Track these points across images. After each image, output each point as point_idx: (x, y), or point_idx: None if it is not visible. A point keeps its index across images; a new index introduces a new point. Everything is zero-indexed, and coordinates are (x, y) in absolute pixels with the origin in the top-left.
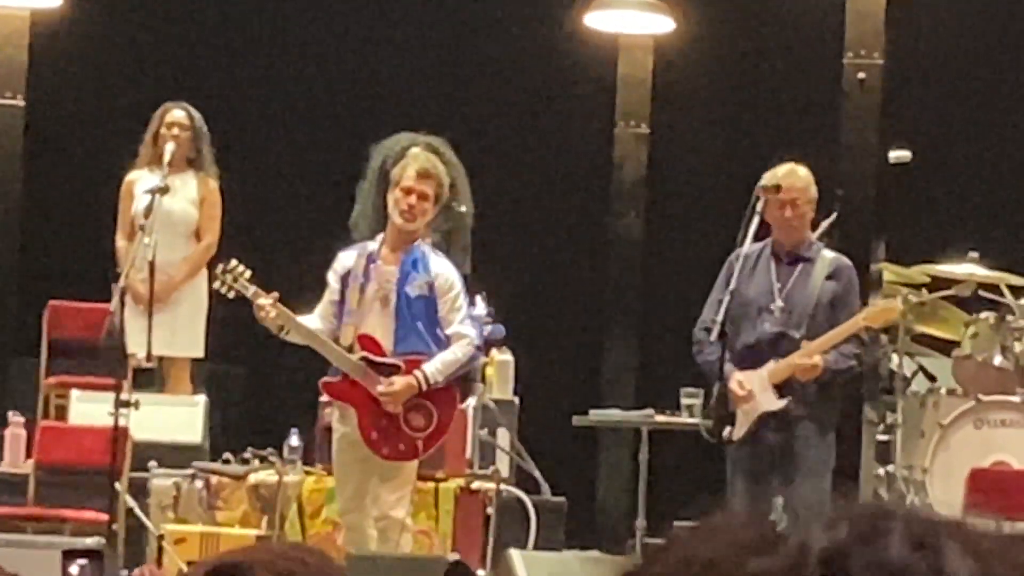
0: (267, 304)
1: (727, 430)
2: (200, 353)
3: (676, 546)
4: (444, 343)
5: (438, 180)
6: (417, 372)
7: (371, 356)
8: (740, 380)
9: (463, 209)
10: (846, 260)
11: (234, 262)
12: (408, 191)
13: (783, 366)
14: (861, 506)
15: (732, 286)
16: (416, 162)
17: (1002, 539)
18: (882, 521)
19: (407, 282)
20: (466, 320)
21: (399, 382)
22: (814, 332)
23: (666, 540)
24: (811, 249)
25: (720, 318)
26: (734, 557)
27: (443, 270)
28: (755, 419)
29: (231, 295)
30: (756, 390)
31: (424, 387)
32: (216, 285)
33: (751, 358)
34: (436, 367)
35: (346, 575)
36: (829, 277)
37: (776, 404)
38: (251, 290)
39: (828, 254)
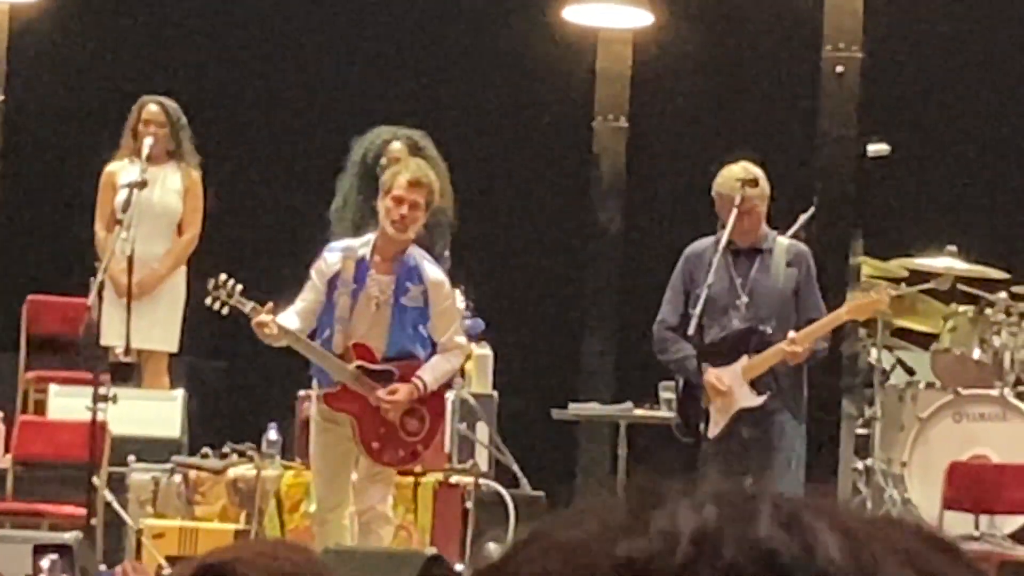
0: (269, 321)
1: (700, 427)
2: (175, 348)
3: (541, 534)
4: (431, 346)
5: (429, 188)
6: (416, 380)
7: (366, 365)
8: (718, 375)
9: (444, 204)
10: (803, 246)
11: (224, 276)
12: (399, 200)
13: (760, 360)
14: (727, 487)
15: (710, 280)
16: (407, 171)
17: (874, 521)
18: (751, 502)
19: (402, 293)
20: (459, 330)
21: (402, 390)
22: (783, 322)
23: (532, 529)
24: (767, 240)
25: (699, 311)
26: (601, 540)
27: (436, 277)
28: (731, 415)
29: (225, 311)
30: (733, 386)
31: (423, 394)
32: (208, 302)
33: (720, 354)
34: (434, 376)
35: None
36: (788, 265)
37: (755, 400)
38: (248, 306)
39: (784, 241)
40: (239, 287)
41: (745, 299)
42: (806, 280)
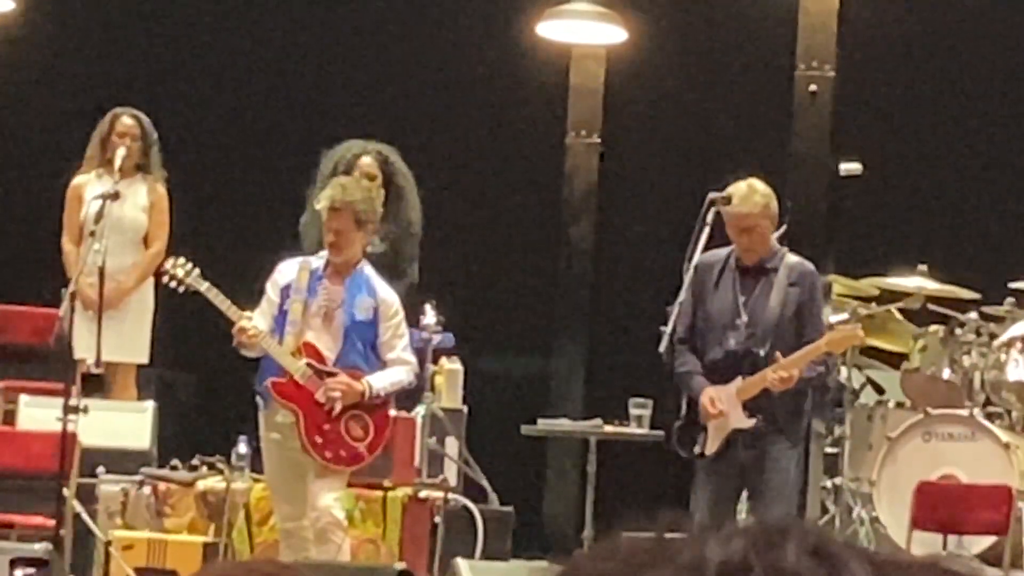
0: (250, 326)
1: (698, 444)
2: (145, 359)
3: (572, 568)
4: (378, 365)
5: (352, 209)
6: (365, 381)
7: (315, 364)
8: (712, 396)
9: (411, 217)
10: (808, 265)
11: (183, 259)
12: (328, 226)
13: (751, 383)
14: (756, 522)
15: (682, 297)
16: (326, 197)
17: (901, 559)
18: (780, 533)
19: (354, 304)
20: (408, 347)
21: (351, 383)
22: (779, 344)
23: (563, 568)
24: (774, 258)
25: (669, 330)
26: (627, 571)
27: (387, 296)
28: (725, 435)
29: (181, 289)
30: (727, 406)
31: (368, 396)
32: (165, 280)
33: (718, 374)
34: (382, 384)
35: None
36: (792, 284)
37: (746, 423)
38: (204, 285)
39: (791, 259)
40: (196, 269)
41: (745, 319)
42: (808, 301)
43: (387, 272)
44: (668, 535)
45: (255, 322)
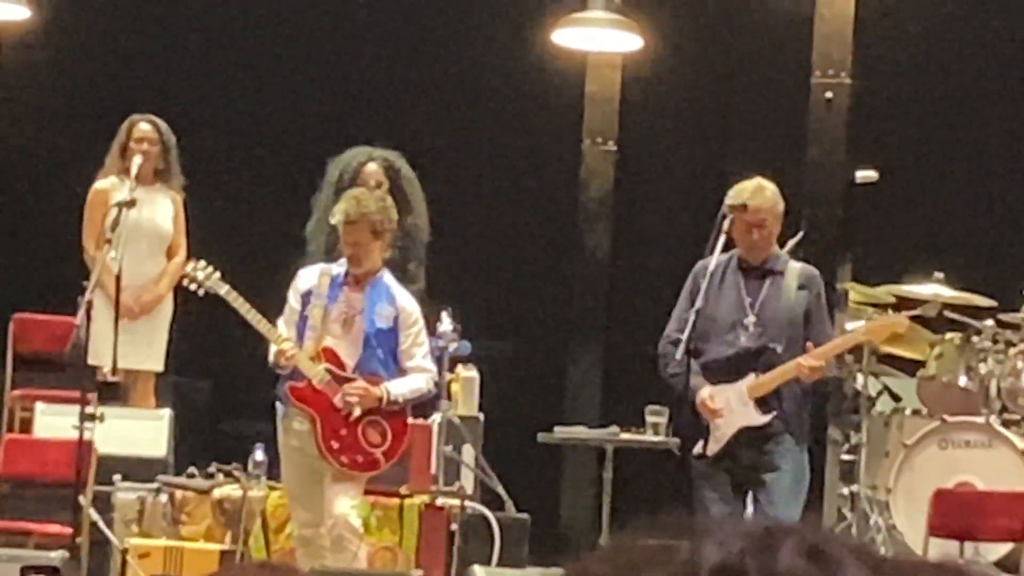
0: (289, 347)
1: (698, 445)
2: (161, 367)
3: (571, 572)
4: (398, 373)
5: (368, 219)
6: (383, 386)
7: (334, 369)
8: (711, 394)
9: (417, 223)
10: (814, 270)
11: (203, 262)
12: (344, 239)
13: (767, 379)
14: (753, 523)
15: (699, 304)
16: (340, 212)
17: (900, 561)
18: (776, 535)
19: (374, 311)
20: (427, 355)
21: (369, 388)
22: (791, 344)
23: (566, 570)
24: (779, 261)
25: (686, 336)
26: (624, 574)
27: (407, 304)
28: (732, 434)
29: (201, 292)
30: (733, 404)
31: (386, 401)
32: (185, 282)
33: (726, 372)
34: (401, 390)
35: None
36: (800, 287)
37: (759, 419)
38: (224, 288)
39: (796, 265)
40: (217, 273)
41: (753, 318)
42: (817, 304)
43: (395, 278)
44: (668, 538)
45: (280, 330)
